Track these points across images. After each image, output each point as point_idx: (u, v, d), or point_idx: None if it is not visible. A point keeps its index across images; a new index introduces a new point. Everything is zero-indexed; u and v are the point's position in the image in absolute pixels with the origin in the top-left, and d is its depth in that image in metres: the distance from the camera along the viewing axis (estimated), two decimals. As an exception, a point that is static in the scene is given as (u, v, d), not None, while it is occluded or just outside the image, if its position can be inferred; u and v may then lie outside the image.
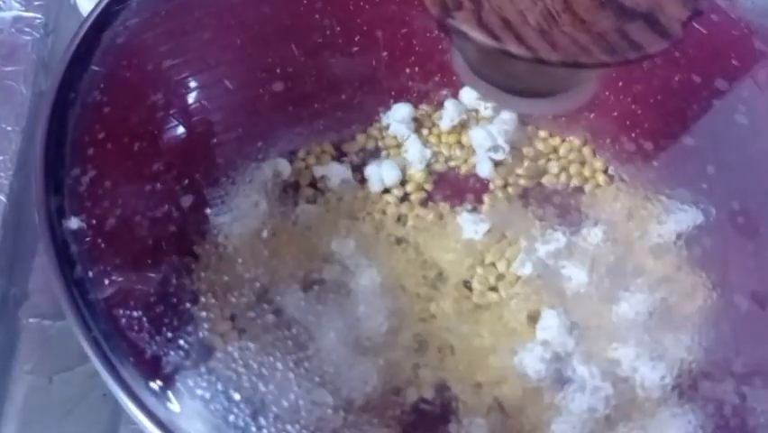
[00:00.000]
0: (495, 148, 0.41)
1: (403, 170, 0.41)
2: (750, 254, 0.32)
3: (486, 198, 0.41)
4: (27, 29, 0.52)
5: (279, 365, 0.26)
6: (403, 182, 0.41)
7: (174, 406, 0.25)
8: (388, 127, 0.42)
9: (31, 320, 0.43)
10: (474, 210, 0.40)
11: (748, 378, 0.32)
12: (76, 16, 0.54)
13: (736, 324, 0.33)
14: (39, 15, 0.52)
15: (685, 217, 0.36)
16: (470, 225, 0.39)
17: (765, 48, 0.34)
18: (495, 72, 0.29)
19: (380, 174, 0.41)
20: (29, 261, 0.45)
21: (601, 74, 0.29)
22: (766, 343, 0.33)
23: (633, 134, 0.38)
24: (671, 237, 0.36)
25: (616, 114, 0.39)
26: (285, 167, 0.37)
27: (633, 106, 0.39)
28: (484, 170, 0.42)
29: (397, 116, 0.41)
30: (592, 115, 0.40)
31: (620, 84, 0.38)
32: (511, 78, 0.29)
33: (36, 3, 0.53)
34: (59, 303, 0.42)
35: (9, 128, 0.47)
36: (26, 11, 0.53)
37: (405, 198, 0.41)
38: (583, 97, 0.29)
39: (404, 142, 0.42)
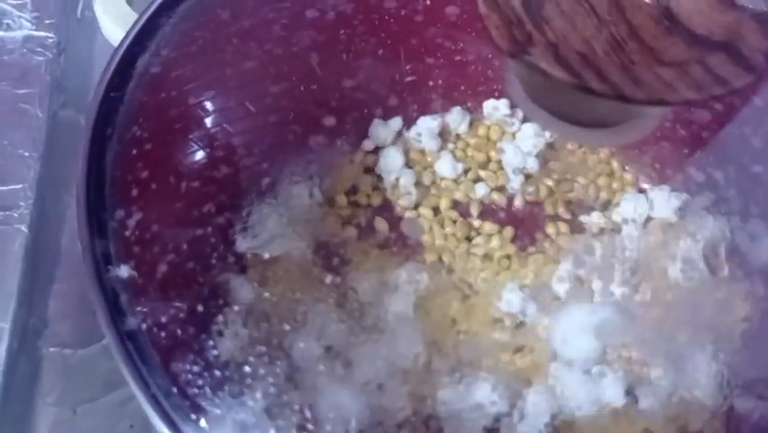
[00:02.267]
0: (524, 169, 0.41)
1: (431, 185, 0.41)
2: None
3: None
4: (39, 49, 0.50)
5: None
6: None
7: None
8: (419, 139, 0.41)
9: (51, 349, 0.42)
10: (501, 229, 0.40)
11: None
12: (85, 33, 0.54)
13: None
14: (50, 34, 0.51)
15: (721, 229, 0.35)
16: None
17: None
18: (559, 104, 0.28)
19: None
20: (48, 288, 0.44)
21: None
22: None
23: (664, 147, 0.37)
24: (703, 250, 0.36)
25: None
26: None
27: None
28: (513, 186, 0.41)
29: (424, 129, 0.40)
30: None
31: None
32: (576, 110, 0.28)
33: (47, 21, 0.51)
34: (79, 331, 0.43)
35: (27, 154, 0.46)
36: (37, 30, 0.51)
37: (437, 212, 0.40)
38: (649, 128, 0.28)
39: (433, 157, 0.41)
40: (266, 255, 0.31)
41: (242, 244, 0.29)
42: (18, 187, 0.44)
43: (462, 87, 0.38)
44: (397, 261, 0.36)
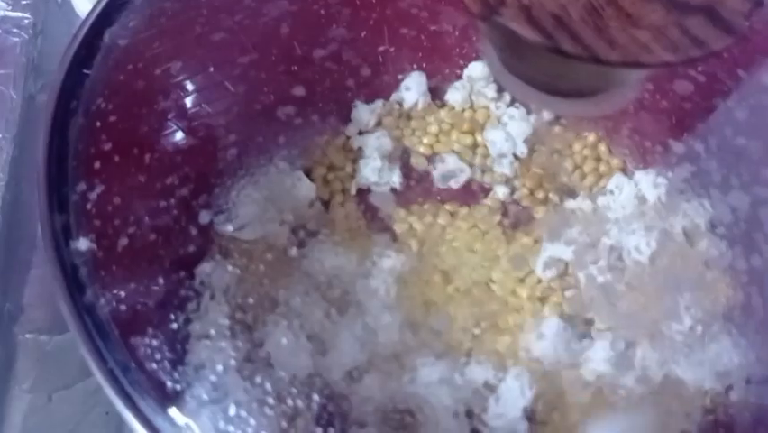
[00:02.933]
0: (512, 153, 0.41)
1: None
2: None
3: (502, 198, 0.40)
4: (15, 29, 0.50)
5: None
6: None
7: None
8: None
9: (27, 336, 0.42)
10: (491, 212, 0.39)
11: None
12: (65, 16, 0.53)
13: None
14: (27, 15, 0.50)
15: (713, 213, 0.35)
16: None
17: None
18: (534, 70, 0.27)
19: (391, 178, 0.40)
20: (23, 274, 0.43)
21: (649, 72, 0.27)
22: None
23: (652, 130, 0.37)
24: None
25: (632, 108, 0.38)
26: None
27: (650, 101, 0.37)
28: (500, 169, 0.41)
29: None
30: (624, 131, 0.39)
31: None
32: (552, 77, 0.27)
33: (23, 2, 0.51)
34: (55, 317, 0.42)
35: (0, 135, 0.45)
36: (13, 11, 0.51)
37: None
38: (628, 98, 0.27)
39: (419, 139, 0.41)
40: (229, 228, 0.30)
41: (206, 217, 0.28)
42: None
43: (437, 58, 0.38)
44: (374, 240, 0.36)
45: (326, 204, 0.38)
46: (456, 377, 0.34)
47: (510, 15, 0.23)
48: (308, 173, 0.37)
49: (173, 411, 0.23)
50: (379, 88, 0.37)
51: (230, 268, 0.29)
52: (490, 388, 0.34)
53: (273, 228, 0.32)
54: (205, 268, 0.28)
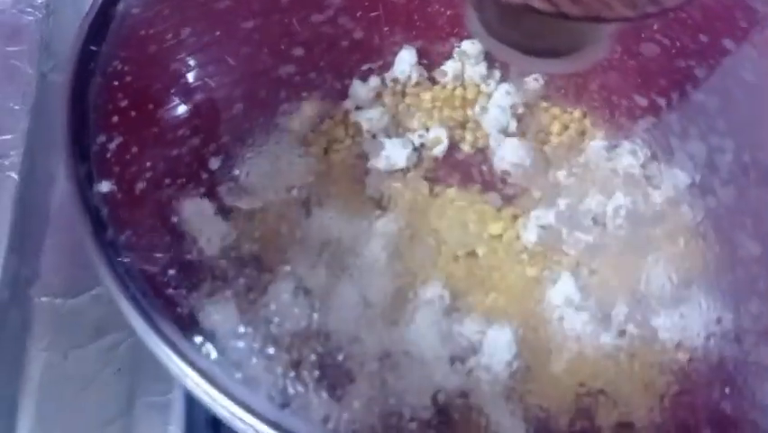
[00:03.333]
0: (505, 128, 0.43)
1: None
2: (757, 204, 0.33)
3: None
4: (29, 9, 0.52)
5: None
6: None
7: (209, 352, 0.26)
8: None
9: (43, 299, 0.44)
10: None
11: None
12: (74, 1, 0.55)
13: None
14: None
15: (684, 178, 0.38)
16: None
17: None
18: (512, 32, 0.29)
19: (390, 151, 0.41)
20: (39, 241, 0.45)
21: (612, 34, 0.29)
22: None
23: (630, 102, 0.39)
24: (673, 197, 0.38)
25: (615, 83, 0.40)
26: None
27: (630, 75, 0.40)
28: (492, 144, 0.43)
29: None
30: (592, 85, 0.41)
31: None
32: (528, 38, 0.29)
33: None
34: (69, 282, 0.45)
35: (17, 107, 0.48)
36: None
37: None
38: (598, 56, 0.30)
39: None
40: (233, 198, 0.33)
41: (215, 163, 0.31)
42: (8, 137, 0.46)
43: (430, 37, 0.40)
44: (371, 209, 0.38)
45: (326, 175, 0.39)
46: (445, 328, 0.36)
47: (486, -24, 0.25)
48: (309, 147, 0.39)
49: (188, 331, 0.26)
50: (373, 57, 0.39)
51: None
52: (477, 341, 0.36)
53: (276, 196, 0.35)
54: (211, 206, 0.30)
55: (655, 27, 0.34)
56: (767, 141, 0.36)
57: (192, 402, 0.41)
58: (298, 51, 0.34)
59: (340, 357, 0.28)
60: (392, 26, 0.40)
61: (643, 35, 0.34)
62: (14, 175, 0.45)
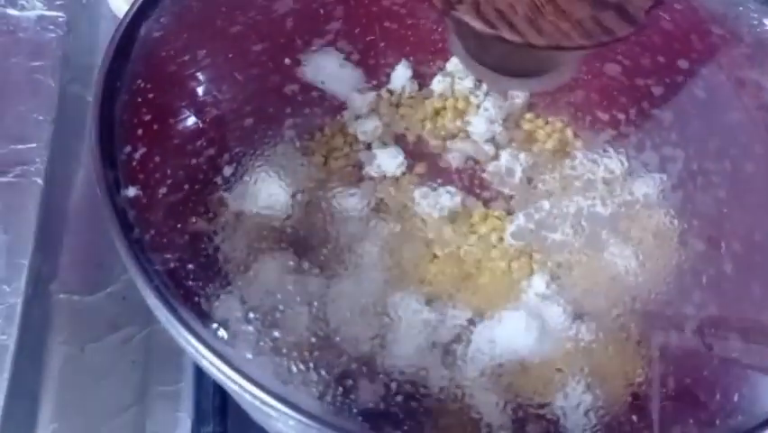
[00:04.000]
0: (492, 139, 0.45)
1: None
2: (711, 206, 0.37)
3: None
4: (51, 26, 0.55)
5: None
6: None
7: (224, 337, 0.29)
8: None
9: (62, 296, 0.47)
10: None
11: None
12: (92, 16, 0.58)
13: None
14: (61, 14, 0.56)
15: (651, 182, 0.41)
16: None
17: (721, 31, 0.39)
18: (488, 55, 0.33)
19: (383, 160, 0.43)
20: (58, 243, 0.49)
21: (581, 59, 0.33)
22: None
23: (606, 114, 0.42)
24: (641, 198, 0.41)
25: (592, 98, 0.43)
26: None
27: (606, 90, 0.42)
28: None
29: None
30: (572, 99, 0.44)
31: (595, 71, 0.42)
32: (503, 61, 0.33)
33: (57, 2, 0.56)
34: (86, 280, 0.48)
35: (41, 118, 0.51)
36: (48, 10, 0.56)
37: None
38: (565, 77, 0.34)
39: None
40: (240, 203, 0.36)
41: (228, 171, 0.35)
42: (34, 146, 0.49)
43: (423, 52, 0.44)
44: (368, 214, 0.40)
45: (326, 182, 0.41)
46: (433, 319, 0.38)
47: (464, 10, 0.29)
48: (311, 156, 0.41)
49: (205, 319, 0.30)
50: (369, 75, 0.42)
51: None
52: (464, 334, 0.38)
53: (280, 202, 0.38)
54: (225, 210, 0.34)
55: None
56: (728, 150, 0.39)
57: (201, 391, 0.43)
58: (301, 72, 0.38)
59: (336, 339, 0.31)
60: (387, 45, 0.43)
61: (606, 56, 0.38)
62: (40, 181, 0.48)
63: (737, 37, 0.40)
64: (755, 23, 0.42)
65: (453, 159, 0.44)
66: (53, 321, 0.46)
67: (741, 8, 0.42)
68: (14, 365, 0.41)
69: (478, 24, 0.29)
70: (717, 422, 0.31)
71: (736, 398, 0.32)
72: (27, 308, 0.44)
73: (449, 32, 0.33)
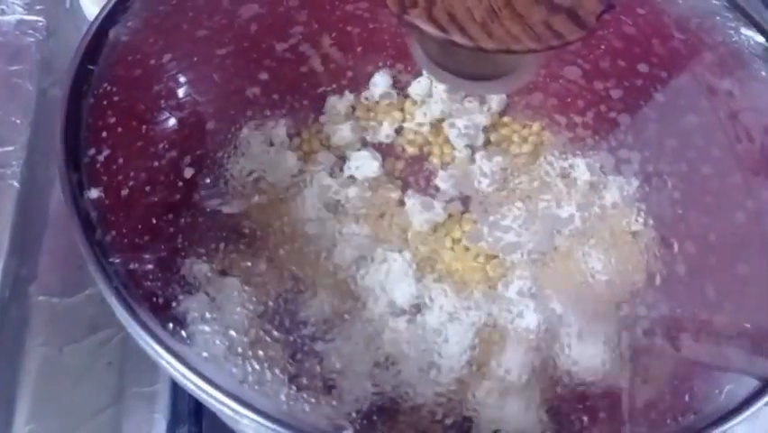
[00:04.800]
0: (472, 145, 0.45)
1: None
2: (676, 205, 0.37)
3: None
4: (30, 31, 0.56)
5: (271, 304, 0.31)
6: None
7: (183, 337, 0.30)
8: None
9: (40, 298, 0.47)
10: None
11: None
12: (73, 20, 0.59)
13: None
14: (40, 18, 0.57)
15: (621, 185, 0.41)
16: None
17: (683, 36, 0.40)
18: (448, 60, 0.34)
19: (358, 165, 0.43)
20: (38, 243, 0.49)
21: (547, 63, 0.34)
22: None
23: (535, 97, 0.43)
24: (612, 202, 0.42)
25: (566, 102, 0.43)
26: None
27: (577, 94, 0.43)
28: (460, 156, 0.45)
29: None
30: (546, 102, 0.45)
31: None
32: (460, 65, 0.34)
33: (37, 7, 0.57)
34: (65, 282, 0.48)
35: (18, 121, 0.52)
36: (28, 14, 0.57)
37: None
38: (522, 80, 0.34)
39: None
40: (216, 202, 0.37)
41: (189, 173, 0.35)
42: (10, 149, 0.50)
43: (399, 56, 0.44)
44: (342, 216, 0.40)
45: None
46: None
47: (416, 14, 0.30)
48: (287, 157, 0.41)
49: (164, 319, 0.31)
50: (332, 78, 0.43)
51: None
52: (439, 332, 0.38)
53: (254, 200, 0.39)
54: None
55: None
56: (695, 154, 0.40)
57: (177, 393, 0.44)
58: (263, 76, 0.38)
59: (291, 338, 0.32)
60: (363, 50, 0.44)
61: (566, 60, 0.38)
62: (16, 183, 0.49)
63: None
64: (731, 32, 0.43)
65: (429, 164, 0.45)
66: (32, 323, 0.46)
67: (718, 17, 0.43)
68: (-8, 367, 0.42)
69: (429, 28, 0.30)
70: (668, 421, 0.31)
71: (686, 397, 0.33)
72: (4, 310, 0.45)
73: (411, 36, 0.33)
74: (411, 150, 0.46)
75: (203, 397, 0.29)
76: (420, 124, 0.46)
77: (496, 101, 0.45)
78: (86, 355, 0.45)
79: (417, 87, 0.46)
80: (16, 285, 0.47)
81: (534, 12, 0.32)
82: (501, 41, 0.29)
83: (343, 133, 0.44)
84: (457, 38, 0.29)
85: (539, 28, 0.30)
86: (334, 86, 0.43)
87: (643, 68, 0.38)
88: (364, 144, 0.45)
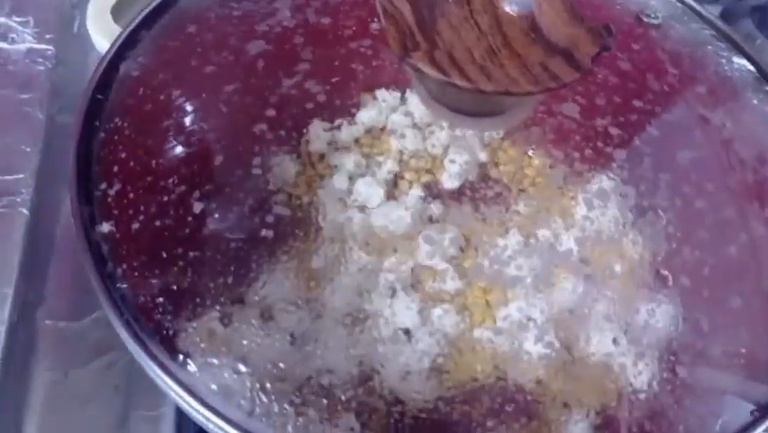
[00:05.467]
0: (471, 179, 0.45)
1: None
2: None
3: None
4: (39, 59, 0.56)
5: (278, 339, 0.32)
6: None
7: (192, 370, 0.31)
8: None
9: (47, 322, 0.47)
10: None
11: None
12: (82, 48, 0.59)
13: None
14: (50, 47, 0.57)
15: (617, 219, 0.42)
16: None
17: (677, 70, 0.41)
18: (447, 97, 0.35)
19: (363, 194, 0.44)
20: (45, 268, 0.49)
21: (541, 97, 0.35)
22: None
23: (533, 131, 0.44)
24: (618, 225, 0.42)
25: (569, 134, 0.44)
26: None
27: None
28: (452, 181, 0.45)
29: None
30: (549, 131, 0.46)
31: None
32: (460, 103, 0.35)
33: (47, 36, 0.58)
34: (72, 306, 0.49)
35: (28, 149, 0.52)
36: (38, 43, 0.57)
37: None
38: (520, 117, 0.35)
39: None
40: (219, 227, 0.38)
41: (198, 207, 0.36)
42: (20, 176, 0.50)
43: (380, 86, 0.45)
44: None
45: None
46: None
47: (418, 57, 0.31)
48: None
49: (173, 351, 0.31)
50: (337, 113, 0.43)
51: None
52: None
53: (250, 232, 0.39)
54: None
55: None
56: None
57: (182, 417, 0.44)
58: (270, 112, 0.39)
59: (299, 371, 0.33)
60: (370, 87, 0.45)
61: (564, 97, 0.39)
62: (25, 211, 0.49)
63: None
64: (723, 61, 0.44)
65: (431, 195, 0.45)
66: (38, 347, 0.47)
67: (709, 47, 0.44)
68: (-1, 390, 0.42)
69: (431, 71, 0.31)
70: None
71: (681, 428, 0.33)
72: (11, 335, 0.45)
73: (410, 72, 0.34)
74: (414, 179, 0.46)
75: (211, 428, 0.30)
76: (421, 156, 0.47)
77: (494, 136, 0.46)
78: (92, 379, 0.45)
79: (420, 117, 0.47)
80: (24, 309, 0.47)
81: (532, 52, 0.33)
82: (500, 83, 0.30)
83: (349, 165, 0.45)
84: (457, 80, 0.30)
85: (536, 70, 0.31)
86: (340, 121, 0.43)
87: (638, 102, 0.40)
88: (370, 175, 0.46)
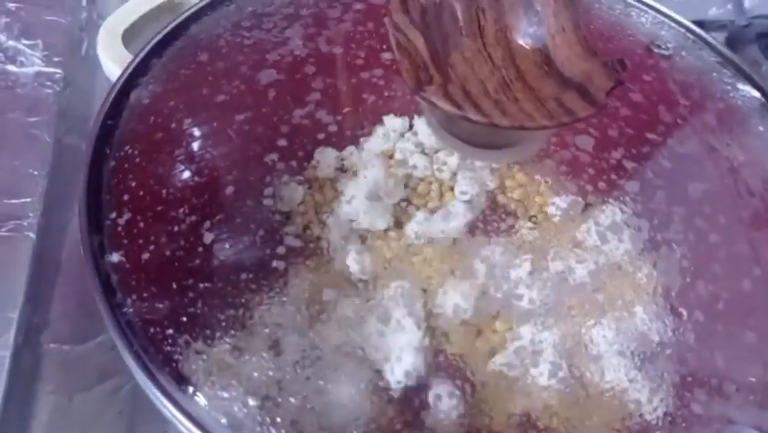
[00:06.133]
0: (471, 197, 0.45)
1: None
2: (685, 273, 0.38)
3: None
4: (48, 83, 0.56)
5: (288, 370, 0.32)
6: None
7: (201, 401, 0.31)
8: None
9: (51, 345, 0.47)
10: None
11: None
12: (90, 71, 0.60)
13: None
14: (58, 70, 0.57)
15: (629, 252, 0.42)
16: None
17: (687, 101, 0.41)
18: (459, 130, 0.35)
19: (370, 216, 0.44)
20: (50, 292, 0.49)
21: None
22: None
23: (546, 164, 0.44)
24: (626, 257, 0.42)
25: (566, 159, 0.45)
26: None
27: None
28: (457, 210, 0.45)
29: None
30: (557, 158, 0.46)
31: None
32: (472, 135, 0.35)
33: (55, 59, 0.58)
34: (76, 330, 0.49)
35: (36, 172, 0.52)
36: (46, 66, 0.57)
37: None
38: (532, 150, 0.35)
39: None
40: (229, 253, 0.38)
41: (209, 238, 0.36)
42: (28, 200, 0.50)
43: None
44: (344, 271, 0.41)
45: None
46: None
47: (432, 91, 0.31)
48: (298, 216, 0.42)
49: (182, 382, 0.31)
50: (346, 141, 0.44)
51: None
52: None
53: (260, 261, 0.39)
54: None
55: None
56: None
57: None
58: (282, 142, 0.40)
59: (309, 406, 0.32)
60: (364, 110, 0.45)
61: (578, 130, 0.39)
62: (32, 235, 0.49)
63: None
64: (728, 87, 0.44)
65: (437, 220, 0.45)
66: (43, 371, 0.46)
67: (714, 74, 0.44)
68: (2, 414, 0.42)
69: (445, 105, 0.31)
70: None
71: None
72: (16, 359, 0.45)
73: (424, 109, 0.34)
74: (417, 201, 0.46)
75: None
76: (429, 182, 0.47)
77: (506, 167, 0.46)
78: (96, 404, 0.45)
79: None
80: (29, 333, 0.47)
81: (546, 85, 0.33)
82: (514, 118, 0.30)
83: (356, 190, 0.44)
84: (472, 115, 0.30)
85: (551, 104, 0.31)
86: (348, 146, 0.43)
87: (650, 135, 0.40)
88: (377, 200, 0.46)
